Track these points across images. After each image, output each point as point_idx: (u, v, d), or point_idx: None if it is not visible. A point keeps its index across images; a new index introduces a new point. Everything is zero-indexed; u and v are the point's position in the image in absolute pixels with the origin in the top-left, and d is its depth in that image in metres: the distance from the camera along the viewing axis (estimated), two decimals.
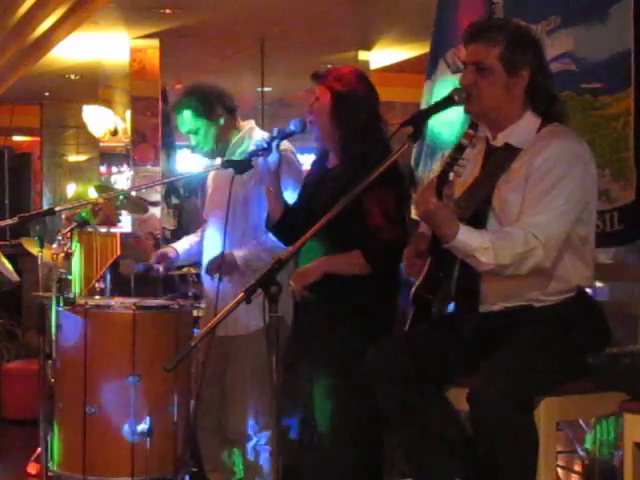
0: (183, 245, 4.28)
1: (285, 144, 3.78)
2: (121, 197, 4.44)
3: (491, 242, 2.78)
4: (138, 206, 4.90)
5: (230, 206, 3.71)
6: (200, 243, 4.17)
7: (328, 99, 3.45)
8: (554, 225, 2.82)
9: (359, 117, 3.43)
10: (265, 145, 3.44)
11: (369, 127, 3.44)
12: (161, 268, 4.12)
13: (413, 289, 3.03)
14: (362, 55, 8.89)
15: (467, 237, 2.77)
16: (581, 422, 4.35)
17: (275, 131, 3.51)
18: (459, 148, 2.81)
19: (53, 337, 3.82)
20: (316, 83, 3.52)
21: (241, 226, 3.91)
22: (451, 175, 2.82)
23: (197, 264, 4.42)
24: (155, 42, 8.28)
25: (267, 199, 3.58)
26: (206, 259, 4.01)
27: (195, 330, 4.13)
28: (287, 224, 3.55)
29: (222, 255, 3.78)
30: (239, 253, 3.85)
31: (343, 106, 3.44)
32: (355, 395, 3.33)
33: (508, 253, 2.78)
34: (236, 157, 3.86)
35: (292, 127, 3.47)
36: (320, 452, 3.43)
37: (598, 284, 3.68)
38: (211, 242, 4.02)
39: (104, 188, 6.68)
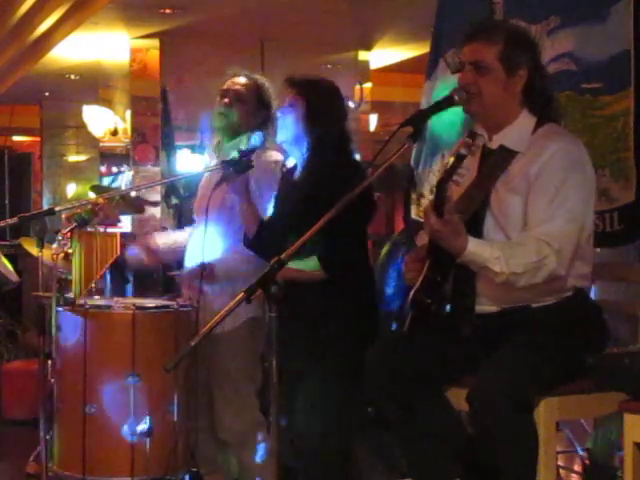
0: (167, 242, 4.24)
1: (270, 154, 3.80)
2: (117, 197, 4.43)
3: (501, 251, 2.77)
4: (134, 206, 4.89)
5: (215, 208, 3.77)
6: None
7: (303, 107, 3.43)
8: (566, 231, 2.82)
9: (330, 129, 3.42)
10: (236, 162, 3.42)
11: (337, 140, 3.43)
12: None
13: (411, 293, 3.02)
14: (362, 55, 8.89)
15: (477, 248, 2.77)
16: (583, 422, 4.35)
17: (241, 150, 3.49)
18: (458, 158, 2.79)
19: (53, 337, 3.81)
20: (290, 89, 3.49)
21: (225, 229, 3.89)
22: (450, 184, 2.80)
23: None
24: (155, 42, 8.30)
25: (242, 217, 3.58)
26: (188, 261, 4.00)
27: None
28: (263, 239, 3.53)
29: (202, 265, 3.79)
30: (219, 264, 3.85)
31: (317, 116, 3.41)
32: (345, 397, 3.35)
33: (520, 262, 2.77)
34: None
35: (253, 142, 3.49)
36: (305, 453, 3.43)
37: (598, 284, 3.68)
38: (194, 244, 4.01)
39: (101, 188, 6.67)
